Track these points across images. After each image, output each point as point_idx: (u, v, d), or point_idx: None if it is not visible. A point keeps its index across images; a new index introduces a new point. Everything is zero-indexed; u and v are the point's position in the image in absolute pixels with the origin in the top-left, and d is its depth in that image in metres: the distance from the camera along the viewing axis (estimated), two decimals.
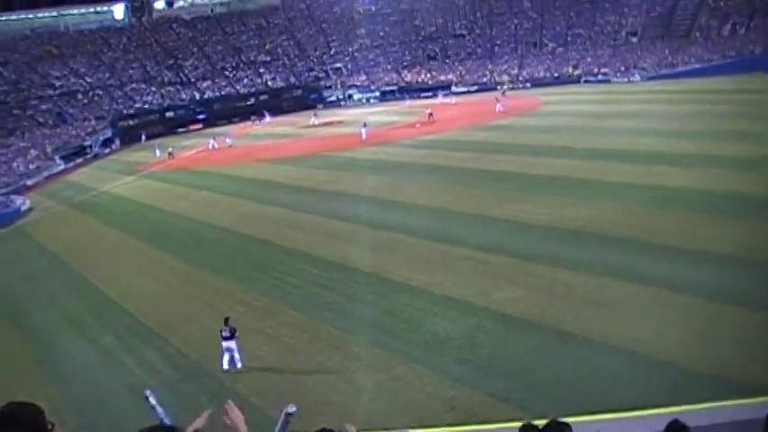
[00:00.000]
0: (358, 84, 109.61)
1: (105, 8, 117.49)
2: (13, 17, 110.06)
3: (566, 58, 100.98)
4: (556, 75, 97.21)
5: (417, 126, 66.62)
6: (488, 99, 73.59)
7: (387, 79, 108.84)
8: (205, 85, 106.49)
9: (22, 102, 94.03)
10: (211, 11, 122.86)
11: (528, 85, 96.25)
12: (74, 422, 17.81)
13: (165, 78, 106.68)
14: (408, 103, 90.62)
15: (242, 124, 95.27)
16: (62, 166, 76.52)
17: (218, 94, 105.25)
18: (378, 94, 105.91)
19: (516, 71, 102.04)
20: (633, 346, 17.32)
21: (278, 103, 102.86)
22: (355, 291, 25.06)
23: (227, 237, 35.52)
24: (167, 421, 5.22)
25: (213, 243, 35.01)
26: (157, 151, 72.56)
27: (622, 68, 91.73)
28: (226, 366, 19.65)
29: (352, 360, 19.45)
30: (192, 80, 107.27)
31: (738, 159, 34.80)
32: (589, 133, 49.28)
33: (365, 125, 63.30)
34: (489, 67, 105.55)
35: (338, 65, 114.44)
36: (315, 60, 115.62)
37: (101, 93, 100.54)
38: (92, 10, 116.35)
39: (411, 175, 43.65)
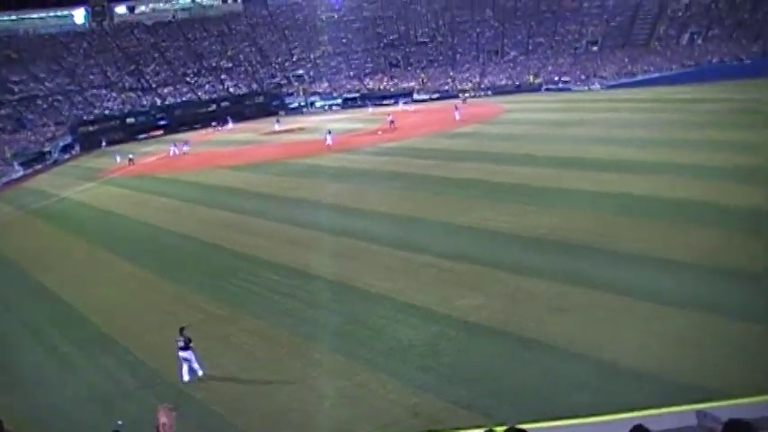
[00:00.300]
0: (320, 91, 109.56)
1: (66, 12, 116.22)
2: None
3: (527, 67, 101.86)
4: (517, 83, 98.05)
5: (379, 133, 66.76)
6: (449, 107, 73.73)
7: (349, 86, 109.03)
8: (166, 90, 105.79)
9: None
10: (173, 16, 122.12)
11: (489, 92, 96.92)
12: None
13: (126, 84, 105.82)
14: (371, 110, 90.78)
15: (203, 131, 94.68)
16: (21, 173, 75.56)
17: (179, 100, 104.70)
18: (340, 101, 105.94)
19: (478, 79, 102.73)
20: (596, 353, 17.33)
21: (240, 109, 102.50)
22: (317, 298, 24.86)
23: (188, 243, 35.16)
24: None
25: (174, 250, 34.62)
26: (118, 157, 71.86)
27: (583, 77, 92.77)
28: (186, 378, 19.29)
29: (314, 367, 19.24)
30: (154, 86, 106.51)
31: (698, 167, 35.21)
32: (551, 141, 49.60)
33: (329, 132, 63.08)
34: (451, 74, 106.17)
35: (300, 72, 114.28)
36: (277, 67, 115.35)
37: (61, 98, 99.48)
38: (52, 14, 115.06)
39: (373, 182, 43.56)
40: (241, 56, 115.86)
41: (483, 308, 21.41)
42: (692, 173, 34.18)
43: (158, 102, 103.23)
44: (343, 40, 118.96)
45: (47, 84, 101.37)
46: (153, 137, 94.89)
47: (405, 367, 18.34)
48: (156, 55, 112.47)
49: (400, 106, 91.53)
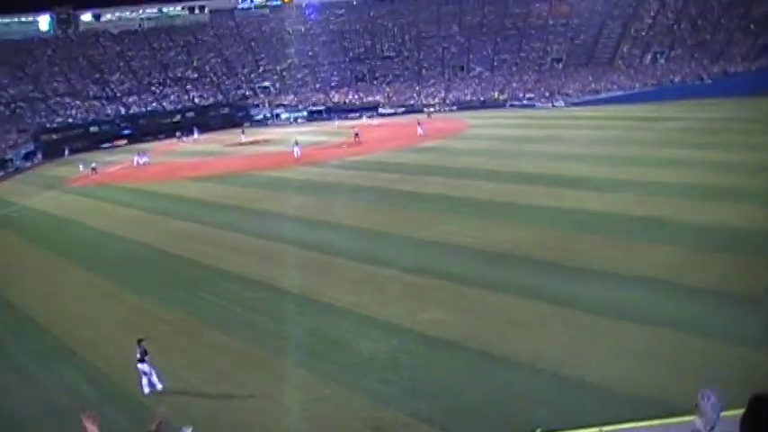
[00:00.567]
0: (286, 103, 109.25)
1: (30, 18, 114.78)
2: None
3: (492, 83, 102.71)
4: (482, 98, 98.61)
5: (344, 146, 66.88)
6: (414, 121, 74.02)
7: (315, 99, 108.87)
8: (131, 100, 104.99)
9: None
10: (139, 25, 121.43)
11: (455, 108, 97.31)
12: None
13: (91, 92, 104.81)
14: (337, 123, 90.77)
15: (168, 141, 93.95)
16: None
17: (144, 109, 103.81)
18: (305, 113, 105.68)
19: (443, 94, 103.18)
20: (558, 368, 17.51)
21: (205, 120, 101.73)
22: (281, 311, 24.80)
23: (151, 254, 34.87)
24: None
25: (137, 260, 34.27)
26: (81, 166, 71.10)
27: (547, 94, 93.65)
28: (146, 390, 19.13)
29: (277, 380, 19.21)
30: (118, 95, 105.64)
31: (658, 185, 35.88)
32: (514, 157, 50.08)
33: (297, 143, 63.15)
34: (417, 89, 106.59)
35: (266, 84, 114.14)
36: (243, 78, 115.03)
37: (23, 105, 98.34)
38: (16, 20, 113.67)
39: (338, 196, 43.66)
40: (207, 66, 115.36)
41: (445, 322, 21.54)
42: (652, 190, 34.84)
43: (123, 111, 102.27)
44: (310, 53, 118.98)
45: (9, 90, 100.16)
46: (117, 146, 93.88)
47: (366, 381, 18.39)
48: (122, 64, 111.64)
49: (364, 120, 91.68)
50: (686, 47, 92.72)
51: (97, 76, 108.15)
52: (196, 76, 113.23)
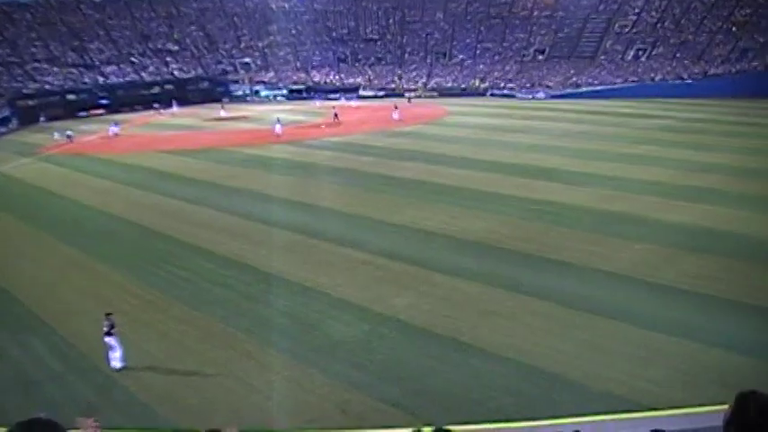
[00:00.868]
0: (266, 80, 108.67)
1: None
2: None
3: (474, 71, 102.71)
4: (463, 86, 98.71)
5: (323, 127, 66.68)
6: (392, 106, 73.93)
7: (295, 78, 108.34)
8: (110, 69, 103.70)
9: None
10: None
11: (435, 94, 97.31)
12: None
13: (69, 60, 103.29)
14: (318, 103, 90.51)
15: (146, 112, 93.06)
16: None
17: (122, 80, 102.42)
18: (285, 92, 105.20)
19: (425, 79, 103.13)
20: (525, 358, 17.65)
21: (183, 93, 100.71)
22: (251, 289, 24.73)
23: (124, 227, 34.52)
24: None
25: (109, 233, 33.91)
26: (56, 134, 70.13)
27: (528, 85, 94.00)
28: (114, 365, 18.93)
29: (245, 359, 19.14)
30: (97, 64, 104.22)
31: (631, 181, 36.34)
32: (491, 146, 50.26)
33: (279, 121, 63.07)
34: (398, 73, 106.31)
35: (247, 60, 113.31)
36: (224, 53, 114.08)
37: (0, 69, 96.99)
38: None
39: (315, 176, 43.53)
40: (188, 39, 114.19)
41: (416, 308, 21.60)
42: (627, 187, 35.24)
43: (101, 80, 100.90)
44: (293, 32, 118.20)
45: None
46: (93, 115, 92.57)
47: (335, 363, 18.39)
48: (102, 32, 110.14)
49: (341, 101, 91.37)
50: (668, 46, 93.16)
51: (76, 43, 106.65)
52: (177, 48, 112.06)
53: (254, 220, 33.82)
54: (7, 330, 22.81)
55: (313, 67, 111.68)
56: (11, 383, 18.65)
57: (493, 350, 18.29)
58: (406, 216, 32.29)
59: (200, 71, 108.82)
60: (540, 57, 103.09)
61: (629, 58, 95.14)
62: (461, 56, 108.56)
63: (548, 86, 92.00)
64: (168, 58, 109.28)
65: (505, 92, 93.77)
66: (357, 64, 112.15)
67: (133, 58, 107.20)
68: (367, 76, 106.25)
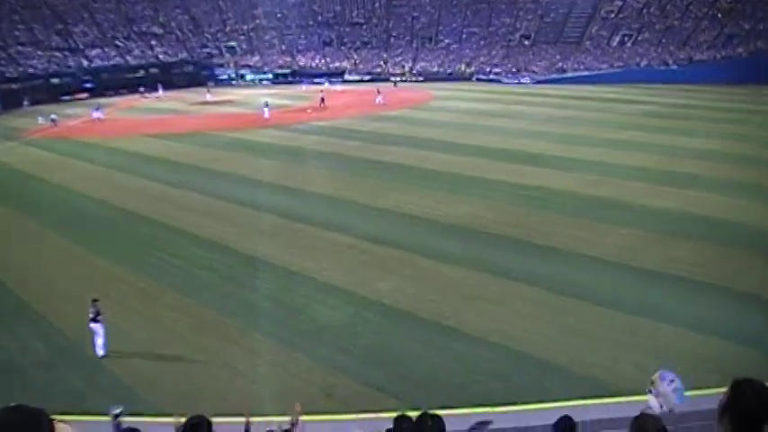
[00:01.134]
0: (251, 64, 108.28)
1: None
2: None
3: (459, 56, 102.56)
4: (449, 71, 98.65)
5: (309, 111, 66.58)
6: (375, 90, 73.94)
7: (281, 62, 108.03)
8: (94, 53, 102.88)
9: None
10: None
11: (421, 78, 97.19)
12: None
13: (53, 43, 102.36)
14: (304, 87, 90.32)
15: (131, 96, 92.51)
16: None
17: (107, 63, 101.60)
18: (270, 76, 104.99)
19: (411, 64, 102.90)
20: (510, 343, 17.75)
21: (168, 77, 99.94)
22: (237, 273, 24.67)
23: (110, 212, 34.27)
24: None
25: (95, 218, 33.66)
26: (40, 118, 69.53)
27: (514, 70, 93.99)
28: (97, 351, 18.87)
29: (231, 344, 19.12)
30: (81, 47, 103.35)
31: (616, 166, 36.44)
32: (476, 131, 50.29)
33: (267, 105, 62.89)
34: (384, 57, 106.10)
35: (233, 43, 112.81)
36: (209, 37, 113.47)
37: None
38: None
39: (300, 161, 43.43)
40: (173, 23, 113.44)
41: (401, 292, 21.65)
42: (613, 172, 35.37)
43: (85, 64, 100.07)
44: (278, 15, 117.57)
45: None
46: (78, 99, 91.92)
47: (321, 347, 18.41)
48: (86, 15, 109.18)
49: (326, 85, 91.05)
50: (654, 31, 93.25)
51: (60, 26, 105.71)
52: (162, 32, 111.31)
53: (240, 204, 33.66)
54: None
55: (298, 51, 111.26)
56: None
57: (478, 334, 18.37)
58: (391, 200, 32.30)
59: (185, 55, 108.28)
60: (526, 42, 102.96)
61: (615, 43, 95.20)
62: (447, 40, 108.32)
63: (533, 71, 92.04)
64: (153, 42, 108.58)
65: (491, 77, 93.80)
66: (343, 48, 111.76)
67: (118, 42, 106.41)
68: (353, 61, 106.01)
